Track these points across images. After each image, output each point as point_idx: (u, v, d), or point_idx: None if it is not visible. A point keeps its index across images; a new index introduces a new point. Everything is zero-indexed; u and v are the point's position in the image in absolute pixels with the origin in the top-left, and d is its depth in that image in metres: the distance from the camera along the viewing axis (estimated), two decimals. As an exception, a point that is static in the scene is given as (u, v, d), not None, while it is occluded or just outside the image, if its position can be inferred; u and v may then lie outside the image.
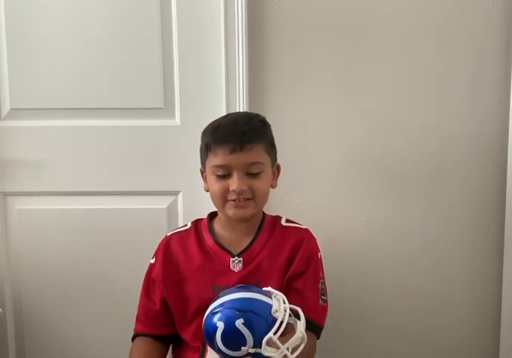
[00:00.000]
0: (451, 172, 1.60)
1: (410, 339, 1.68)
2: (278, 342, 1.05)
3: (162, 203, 1.66)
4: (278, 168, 1.33)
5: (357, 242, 1.63)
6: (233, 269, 1.26)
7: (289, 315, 1.10)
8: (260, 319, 1.07)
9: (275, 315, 1.07)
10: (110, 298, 1.68)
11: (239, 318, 1.07)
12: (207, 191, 1.30)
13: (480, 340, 1.68)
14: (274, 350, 1.05)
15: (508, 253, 1.59)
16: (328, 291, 1.33)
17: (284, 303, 1.10)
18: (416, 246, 1.64)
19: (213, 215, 1.36)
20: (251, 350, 1.05)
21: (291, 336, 1.07)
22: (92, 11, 1.58)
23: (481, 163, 1.60)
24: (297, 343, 1.08)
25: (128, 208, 1.65)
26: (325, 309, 1.31)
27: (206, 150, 1.26)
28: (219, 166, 1.23)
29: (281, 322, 1.06)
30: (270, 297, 1.11)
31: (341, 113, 1.59)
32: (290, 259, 1.28)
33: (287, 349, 1.06)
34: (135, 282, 1.64)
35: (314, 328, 1.26)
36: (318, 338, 1.29)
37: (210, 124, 1.31)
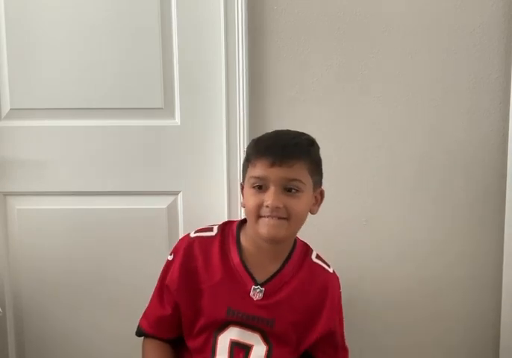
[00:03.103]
0: (451, 172, 1.60)
1: (409, 337, 1.68)
2: None
3: (162, 203, 1.66)
4: (322, 194, 1.24)
5: (357, 242, 1.63)
6: (253, 297, 1.21)
7: None
8: None
9: None
10: (109, 298, 1.68)
11: None
12: (244, 207, 1.21)
13: (480, 340, 1.68)
14: None
15: (508, 253, 1.59)
16: None
17: None
18: (416, 246, 1.64)
19: (244, 221, 1.26)
20: None
21: None
22: (92, 11, 1.58)
23: (481, 163, 1.60)
24: None
25: (128, 208, 1.65)
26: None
27: (246, 162, 1.20)
28: (257, 177, 1.15)
29: None
30: None
31: (341, 114, 1.59)
32: (314, 307, 1.24)
33: None
34: (135, 282, 1.65)
35: None
36: None
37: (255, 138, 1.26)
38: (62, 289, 1.69)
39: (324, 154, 1.60)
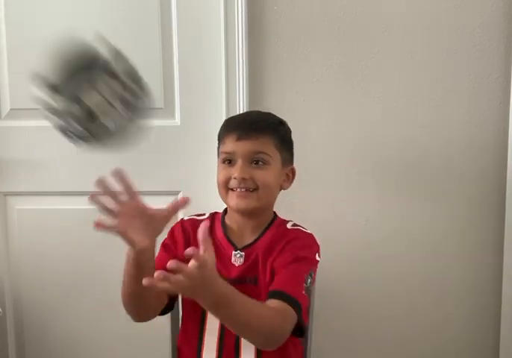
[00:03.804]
0: (451, 172, 1.60)
1: (408, 339, 1.68)
2: None
3: (162, 203, 1.65)
4: (293, 171, 1.30)
5: (357, 242, 1.63)
6: (234, 263, 1.25)
7: None
8: None
9: None
10: (109, 298, 1.67)
11: None
12: None
13: (479, 341, 1.68)
14: None
15: (508, 253, 1.59)
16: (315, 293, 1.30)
17: None
18: (416, 246, 1.64)
19: (227, 210, 1.34)
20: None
21: None
22: (92, 11, 1.58)
23: (481, 163, 1.60)
24: None
25: (128, 208, 1.65)
26: (306, 299, 1.17)
27: (218, 140, 1.28)
28: (227, 153, 1.22)
29: None
30: None
31: (341, 114, 1.59)
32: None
33: None
34: (135, 282, 1.64)
35: (290, 301, 1.11)
36: (300, 323, 1.13)
37: None
38: (62, 288, 1.69)
39: (324, 154, 1.60)
